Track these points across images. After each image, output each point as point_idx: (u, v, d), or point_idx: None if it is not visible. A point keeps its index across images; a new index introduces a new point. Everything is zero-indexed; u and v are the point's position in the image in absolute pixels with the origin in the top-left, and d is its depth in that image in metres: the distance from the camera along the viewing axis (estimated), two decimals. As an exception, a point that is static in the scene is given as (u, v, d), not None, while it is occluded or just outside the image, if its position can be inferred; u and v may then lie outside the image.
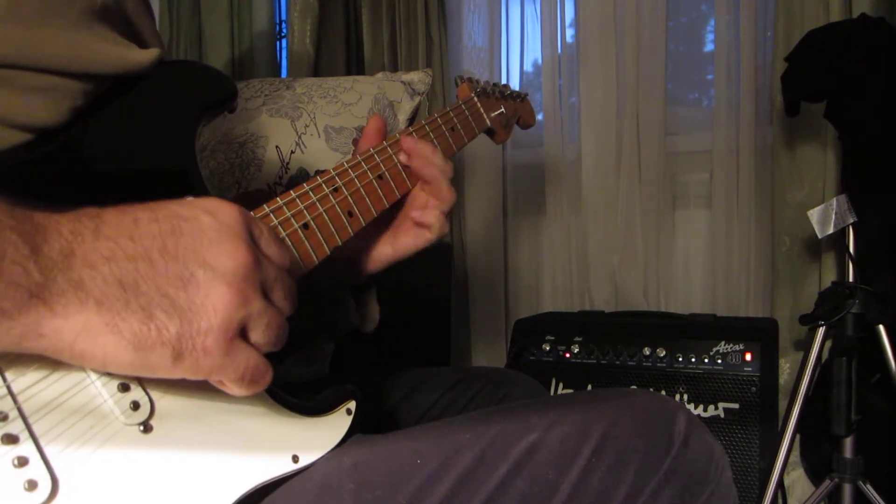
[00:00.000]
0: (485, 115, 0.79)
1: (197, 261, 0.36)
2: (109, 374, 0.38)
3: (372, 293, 0.71)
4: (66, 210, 0.35)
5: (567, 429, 0.47)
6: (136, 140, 0.47)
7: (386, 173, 0.62)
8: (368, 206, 0.59)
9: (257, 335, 0.38)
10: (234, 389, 0.38)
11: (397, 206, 0.64)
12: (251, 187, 1.17)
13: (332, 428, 0.48)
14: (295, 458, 0.44)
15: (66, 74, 0.43)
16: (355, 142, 1.24)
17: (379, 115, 0.67)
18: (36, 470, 0.33)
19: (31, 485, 0.33)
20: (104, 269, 0.34)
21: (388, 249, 0.65)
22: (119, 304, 0.33)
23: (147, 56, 0.48)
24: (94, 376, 0.37)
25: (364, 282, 0.68)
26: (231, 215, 0.38)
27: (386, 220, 0.65)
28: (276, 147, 1.20)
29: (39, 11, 0.42)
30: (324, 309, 0.67)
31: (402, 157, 0.63)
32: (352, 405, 0.50)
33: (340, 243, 0.55)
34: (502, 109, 0.82)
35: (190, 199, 0.39)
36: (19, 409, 0.34)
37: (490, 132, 0.82)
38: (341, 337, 0.68)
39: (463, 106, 0.76)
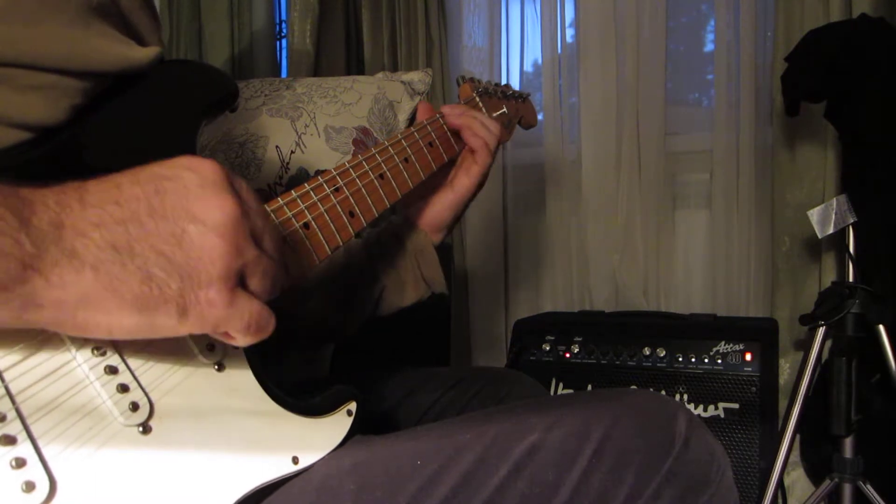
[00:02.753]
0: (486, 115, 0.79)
1: (186, 216, 0.35)
2: (110, 374, 0.37)
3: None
4: (49, 184, 0.34)
5: (567, 429, 0.47)
6: (137, 139, 0.47)
7: (387, 173, 0.62)
8: (370, 205, 0.59)
9: (255, 283, 0.38)
10: (239, 340, 0.38)
11: (450, 167, 0.75)
12: (251, 187, 1.17)
13: (332, 429, 0.48)
14: (295, 460, 0.44)
15: (64, 72, 0.43)
16: (355, 142, 1.24)
17: (426, 103, 0.73)
18: (34, 471, 0.33)
19: (29, 486, 0.33)
20: (95, 235, 0.33)
21: (449, 195, 0.74)
22: (116, 268, 0.33)
23: (146, 54, 0.48)
24: (92, 376, 0.37)
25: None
26: (212, 169, 0.38)
27: (443, 181, 0.75)
28: (276, 147, 1.20)
29: (37, 9, 0.42)
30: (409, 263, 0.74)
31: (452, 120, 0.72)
32: (353, 406, 0.50)
33: (341, 243, 0.55)
34: (504, 109, 0.82)
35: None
36: (17, 410, 0.34)
37: None
38: (432, 296, 0.75)
39: (465, 105, 0.76)
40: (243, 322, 0.37)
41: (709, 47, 1.67)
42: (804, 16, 1.38)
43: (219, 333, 0.38)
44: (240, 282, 0.37)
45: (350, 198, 0.57)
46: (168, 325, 0.35)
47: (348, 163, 0.58)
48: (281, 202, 0.50)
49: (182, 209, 0.35)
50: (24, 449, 0.33)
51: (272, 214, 0.49)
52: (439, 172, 0.72)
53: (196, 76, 0.52)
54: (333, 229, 0.54)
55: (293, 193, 0.51)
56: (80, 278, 0.33)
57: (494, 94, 0.82)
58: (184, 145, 0.49)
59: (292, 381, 0.47)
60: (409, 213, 0.75)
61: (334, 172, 0.56)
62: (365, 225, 0.58)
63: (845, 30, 1.18)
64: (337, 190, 0.56)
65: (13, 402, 0.34)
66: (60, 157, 0.43)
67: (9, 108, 0.41)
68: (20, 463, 0.33)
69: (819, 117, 1.27)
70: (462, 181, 0.74)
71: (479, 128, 0.73)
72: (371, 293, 0.72)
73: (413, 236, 0.74)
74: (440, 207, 0.74)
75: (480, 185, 0.76)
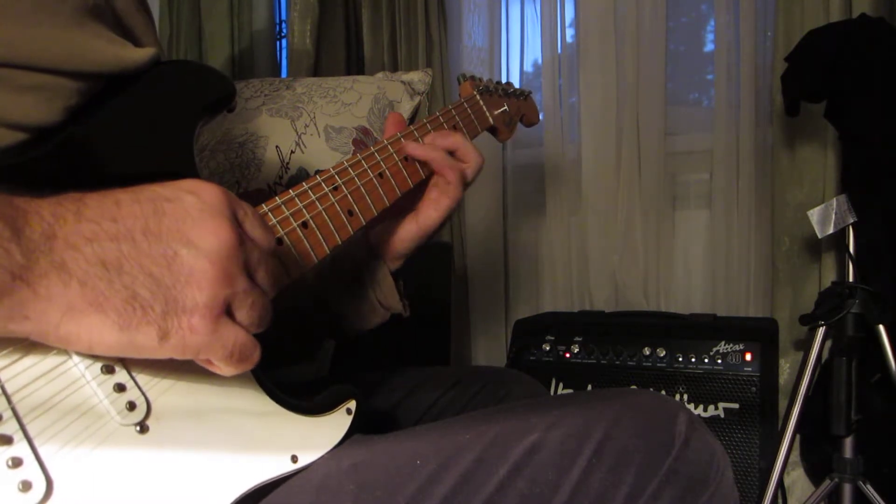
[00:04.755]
0: (487, 113, 0.79)
1: (180, 240, 0.35)
2: (106, 373, 0.37)
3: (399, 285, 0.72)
4: (46, 196, 0.34)
5: (567, 429, 0.46)
6: (134, 141, 0.47)
7: (387, 171, 0.62)
8: (369, 204, 0.59)
9: (242, 315, 0.38)
10: (222, 368, 0.38)
11: (420, 192, 0.67)
12: (251, 187, 1.17)
13: (331, 428, 0.47)
14: (294, 458, 0.44)
15: (58, 73, 0.43)
16: (355, 142, 1.24)
17: (396, 113, 0.69)
18: (30, 471, 0.33)
19: (26, 486, 0.33)
20: (86, 249, 0.33)
21: (412, 226, 0.67)
22: (102, 284, 0.33)
23: (142, 55, 0.48)
24: (89, 376, 0.37)
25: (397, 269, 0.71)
26: (214, 195, 0.37)
27: (410, 206, 0.68)
28: (276, 147, 1.19)
29: (32, 9, 0.42)
30: (364, 285, 0.69)
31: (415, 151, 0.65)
32: (352, 405, 0.49)
33: (340, 242, 0.54)
34: (505, 107, 0.82)
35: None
36: (13, 410, 0.34)
37: (493, 130, 0.81)
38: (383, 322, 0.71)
39: (465, 104, 0.76)
40: (226, 351, 0.37)
41: (709, 47, 1.67)
42: (804, 16, 1.37)
43: (201, 360, 0.37)
44: (227, 311, 0.37)
45: (349, 196, 0.57)
46: (148, 347, 0.35)
47: (346, 162, 0.58)
48: (279, 201, 0.50)
49: (177, 231, 0.35)
50: (20, 448, 0.33)
51: (269, 214, 0.48)
52: (412, 198, 0.67)
53: (192, 76, 0.52)
54: (332, 228, 0.54)
55: (291, 193, 0.51)
56: (67, 291, 0.33)
57: (495, 92, 0.82)
58: (181, 146, 0.48)
59: (291, 380, 0.47)
60: (370, 237, 0.69)
61: (333, 171, 0.56)
62: (364, 224, 0.58)
63: (845, 30, 1.18)
64: (335, 189, 0.56)
65: (9, 401, 0.34)
66: (57, 158, 0.43)
67: (3, 109, 0.41)
68: (16, 462, 0.33)
69: (819, 117, 1.27)
70: (429, 214, 0.67)
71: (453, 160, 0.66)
72: (324, 321, 0.70)
73: (371, 266, 0.68)
74: (402, 238, 0.67)
75: (448, 218, 0.69)
